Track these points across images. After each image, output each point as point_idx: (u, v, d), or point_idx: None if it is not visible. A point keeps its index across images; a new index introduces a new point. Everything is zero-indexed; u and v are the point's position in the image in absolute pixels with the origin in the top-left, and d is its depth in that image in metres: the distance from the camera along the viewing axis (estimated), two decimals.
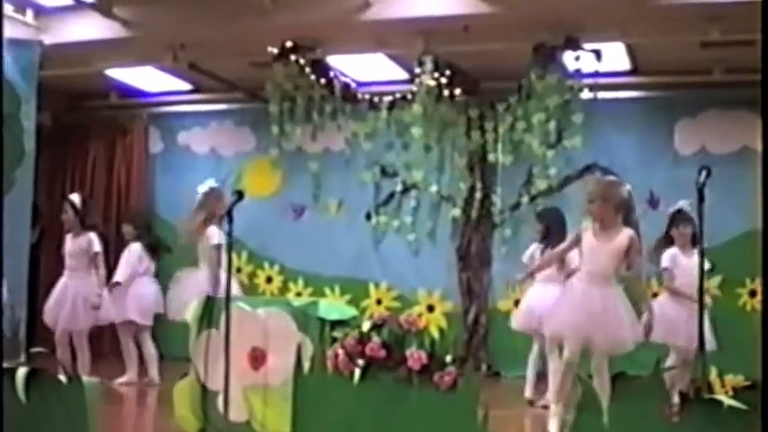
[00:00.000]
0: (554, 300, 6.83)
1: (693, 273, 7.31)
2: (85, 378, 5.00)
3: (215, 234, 7.87)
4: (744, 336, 7.94)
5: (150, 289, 9.25)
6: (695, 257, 7.33)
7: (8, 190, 8.61)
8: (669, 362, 7.34)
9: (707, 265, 7.24)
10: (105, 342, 10.47)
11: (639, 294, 6.40)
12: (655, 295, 7.94)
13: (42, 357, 5.80)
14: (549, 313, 6.76)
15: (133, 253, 9.35)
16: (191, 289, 7.48)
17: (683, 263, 7.63)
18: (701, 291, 4.79)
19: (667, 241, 7.80)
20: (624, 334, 6.23)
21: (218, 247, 7.74)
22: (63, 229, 8.83)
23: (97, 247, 8.61)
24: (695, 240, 7.40)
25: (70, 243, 8.71)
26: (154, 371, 9.21)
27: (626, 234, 6.26)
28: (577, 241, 6.48)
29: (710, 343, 7.29)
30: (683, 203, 7.62)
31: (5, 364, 5.03)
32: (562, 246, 6.97)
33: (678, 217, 7.73)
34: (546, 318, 6.83)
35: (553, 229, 7.99)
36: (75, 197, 8.88)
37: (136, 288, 9.19)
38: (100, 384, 5.05)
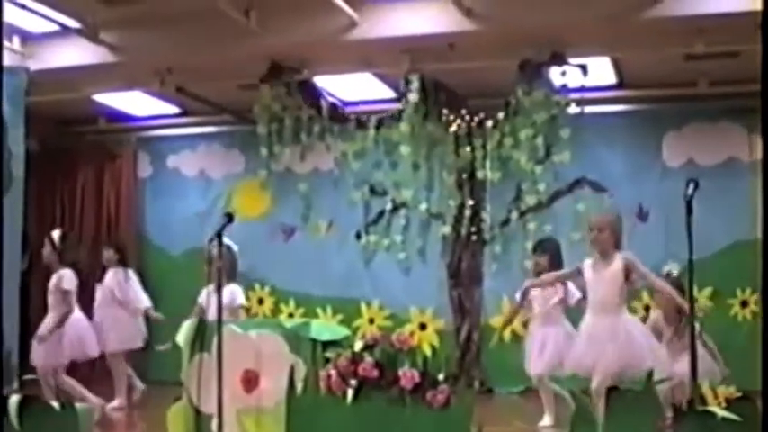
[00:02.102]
0: (559, 340, 7.12)
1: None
2: (78, 404, 4.99)
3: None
4: (736, 347, 7.93)
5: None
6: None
7: None
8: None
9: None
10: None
11: None
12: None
13: (35, 384, 5.78)
14: (571, 354, 6.71)
15: (132, 279, 9.39)
16: None
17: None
18: (692, 305, 4.79)
19: None
20: (637, 357, 6.17)
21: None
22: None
23: (66, 284, 8.20)
24: None
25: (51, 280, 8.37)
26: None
27: (619, 259, 6.29)
28: (579, 273, 6.52)
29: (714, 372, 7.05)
30: None
31: None
32: (563, 271, 7.00)
33: None
34: (569, 359, 6.76)
35: (555, 259, 7.76)
36: (56, 233, 8.56)
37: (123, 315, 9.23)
38: (92, 410, 5.04)
